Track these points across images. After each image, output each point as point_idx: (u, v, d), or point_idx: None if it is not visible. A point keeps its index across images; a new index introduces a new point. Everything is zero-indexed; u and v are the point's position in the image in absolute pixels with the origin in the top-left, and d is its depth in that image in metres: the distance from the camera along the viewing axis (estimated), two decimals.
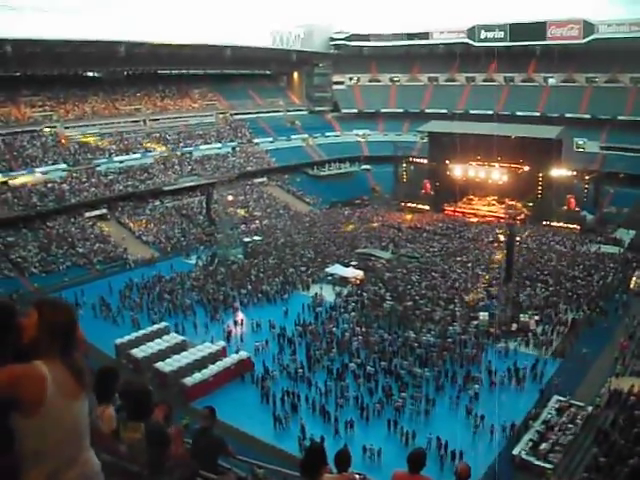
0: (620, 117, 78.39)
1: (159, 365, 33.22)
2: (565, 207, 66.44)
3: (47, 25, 62.02)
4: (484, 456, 24.83)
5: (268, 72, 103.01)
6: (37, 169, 62.60)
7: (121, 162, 69.97)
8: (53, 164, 64.45)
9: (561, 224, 64.99)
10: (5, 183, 59.53)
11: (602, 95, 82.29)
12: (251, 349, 36.53)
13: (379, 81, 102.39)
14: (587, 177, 66.28)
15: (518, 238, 50.04)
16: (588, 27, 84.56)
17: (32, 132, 67.20)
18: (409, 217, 71.30)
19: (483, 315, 38.99)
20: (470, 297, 43.37)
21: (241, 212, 70.46)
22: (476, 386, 31.15)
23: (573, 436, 26.62)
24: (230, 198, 66.21)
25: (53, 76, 75.76)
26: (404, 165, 78.47)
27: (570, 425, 27.29)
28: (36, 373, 2.61)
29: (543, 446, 25.74)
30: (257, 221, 69.21)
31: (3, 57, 62.96)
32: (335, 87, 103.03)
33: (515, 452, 25.86)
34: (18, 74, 73.64)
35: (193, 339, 37.69)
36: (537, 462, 25.01)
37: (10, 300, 3.36)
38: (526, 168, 68.00)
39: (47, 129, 68.89)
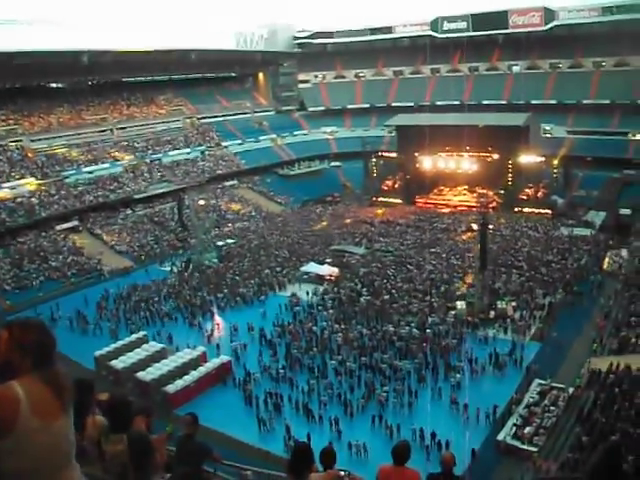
0: (585, 101, 79.44)
1: (140, 375, 32.98)
2: (529, 192, 67.48)
3: (6, 37, 61.31)
4: (469, 444, 24.95)
5: (233, 74, 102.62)
6: (4, 184, 61.64)
7: (90, 172, 69.15)
8: (21, 178, 63.48)
9: (533, 210, 65.64)
10: None
11: (566, 80, 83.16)
12: (229, 352, 36.54)
13: (344, 77, 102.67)
14: (555, 162, 66.78)
15: (491, 226, 50.34)
16: (549, 14, 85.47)
17: None
18: (379, 212, 71.47)
19: (460, 304, 39.26)
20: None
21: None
22: (458, 375, 31.38)
23: (556, 418, 26.90)
24: (201, 203, 65.91)
25: (16, 89, 74.96)
26: (373, 160, 78.57)
27: (552, 407, 27.57)
28: (9, 395, 2.51)
29: (527, 430, 25.97)
30: (230, 224, 69.02)
31: None
32: (301, 86, 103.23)
33: (500, 438, 26.07)
34: None
35: (176, 345, 37.54)
36: (522, 446, 25.24)
37: None
38: (495, 156, 68.65)
39: (12, 143, 67.87)
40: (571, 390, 28.82)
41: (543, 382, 29.79)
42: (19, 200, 60.85)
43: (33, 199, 61.81)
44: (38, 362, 2.68)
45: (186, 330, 40.50)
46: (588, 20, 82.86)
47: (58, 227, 60.65)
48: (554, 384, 29.51)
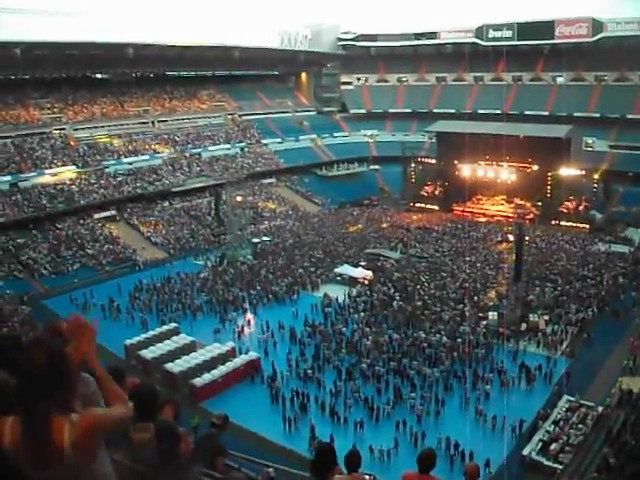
0: (629, 116, 78.12)
1: (168, 366, 33.25)
2: (569, 205, 66.28)
3: (55, 27, 62.21)
4: (494, 456, 24.69)
5: (276, 73, 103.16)
6: (46, 171, 62.92)
7: (130, 163, 70.19)
8: (62, 166, 64.69)
9: (570, 223, 64.74)
10: (15, 185, 59.88)
11: (611, 94, 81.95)
12: (258, 348, 36.71)
13: (387, 81, 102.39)
14: (596, 176, 65.82)
15: (527, 238, 49.83)
16: (597, 25, 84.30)
17: (41, 134, 67.57)
18: (414, 217, 71.22)
19: (492, 315, 38.87)
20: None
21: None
22: (487, 386, 31.08)
23: (583, 436, 26.49)
24: (239, 199, 66.18)
25: (61, 78, 76.10)
26: (412, 165, 78.25)
27: (580, 425, 27.16)
28: None
29: (553, 446, 25.63)
30: (266, 222, 69.27)
31: (12, 60, 62.97)
32: (343, 87, 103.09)
33: (525, 452, 25.78)
34: (27, 76, 73.79)
35: (204, 339, 37.73)
36: (547, 462, 24.93)
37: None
38: (535, 167, 67.81)
39: (56, 131, 69.18)
40: (600, 409, 28.36)
41: (572, 399, 29.37)
42: (60, 187, 61.91)
43: (73, 187, 62.84)
44: (28, 405, 2.51)
45: (216, 324, 40.64)
46: (637, 33, 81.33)
47: (96, 215, 61.63)
48: (583, 401, 29.08)
